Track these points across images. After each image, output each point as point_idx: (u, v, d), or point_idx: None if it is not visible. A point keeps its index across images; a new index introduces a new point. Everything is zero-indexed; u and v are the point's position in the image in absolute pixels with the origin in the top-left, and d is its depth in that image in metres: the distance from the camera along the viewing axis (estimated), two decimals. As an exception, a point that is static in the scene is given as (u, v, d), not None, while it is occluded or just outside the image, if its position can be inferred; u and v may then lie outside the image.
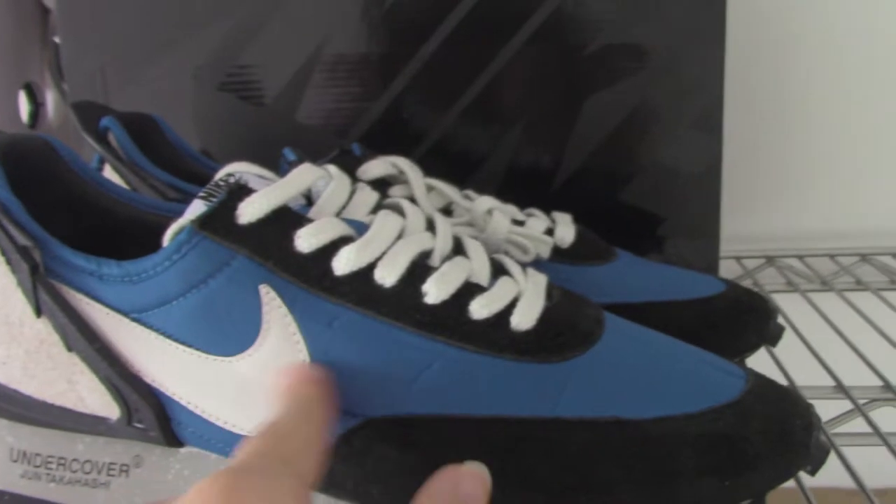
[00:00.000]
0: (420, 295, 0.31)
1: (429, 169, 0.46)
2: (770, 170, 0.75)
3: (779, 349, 0.49)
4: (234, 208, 0.31)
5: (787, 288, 0.68)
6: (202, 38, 0.58)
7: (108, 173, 0.44)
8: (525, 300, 0.32)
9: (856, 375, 0.50)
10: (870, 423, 0.44)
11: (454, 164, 0.60)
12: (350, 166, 0.44)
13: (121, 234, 0.38)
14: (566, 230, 0.46)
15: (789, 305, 0.61)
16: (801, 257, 0.73)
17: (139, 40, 0.58)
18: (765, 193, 0.76)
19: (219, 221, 0.30)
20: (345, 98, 0.59)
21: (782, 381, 0.48)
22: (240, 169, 0.36)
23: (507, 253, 0.42)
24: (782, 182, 0.76)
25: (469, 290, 0.32)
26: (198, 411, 0.32)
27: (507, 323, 0.31)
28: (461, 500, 0.28)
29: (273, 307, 0.30)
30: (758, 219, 0.77)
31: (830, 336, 0.55)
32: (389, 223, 0.32)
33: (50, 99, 0.63)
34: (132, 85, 0.58)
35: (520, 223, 0.45)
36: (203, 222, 0.30)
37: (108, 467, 0.35)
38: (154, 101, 0.58)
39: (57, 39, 0.59)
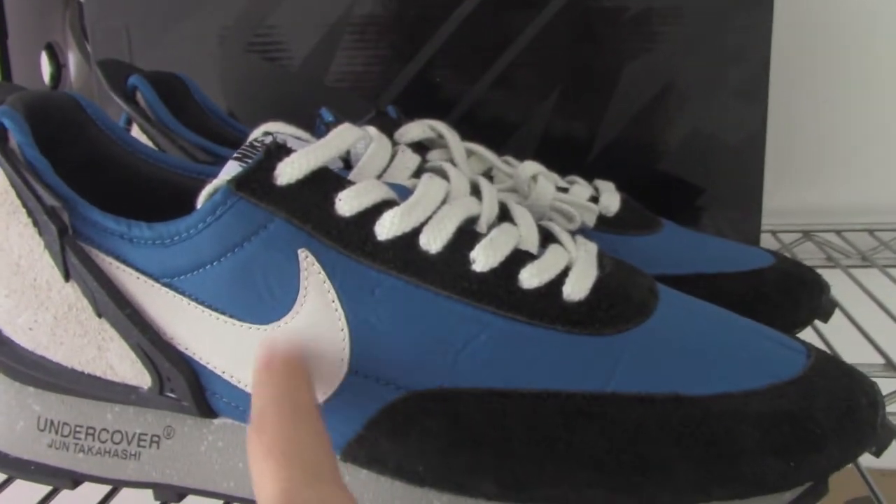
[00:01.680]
0: (467, 262, 0.29)
1: (462, 136, 0.45)
2: (808, 143, 0.73)
3: (823, 326, 0.47)
4: (273, 169, 0.29)
5: (826, 263, 0.67)
6: (229, -3, 0.56)
7: (136, 133, 0.43)
8: (577, 269, 0.31)
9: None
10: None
11: (487, 132, 0.57)
12: (387, 129, 0.42)
13: (149, 196, 0.36)
14: (611, 198, 0.44)
15: (830, 280, 0.59)
16: (838, 232, 0.71)
17: (164, 0, 0.56)
18: (803, 167, 0.74)
19: (256, 182, 0.29)
20: (375, 61, 0.57)
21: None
22: (276, 129, 0.35)
23: (551, 220, 0.41)
24: (821, 155, 0.74)
25: (519, 258, 0.30)
26: (233, 381, 0.31)
27: (560, 293, 0.30)
28: None
29: (312, 273, 0.29)
30: (794, 193, 0.74)
31: (874, 312, 0.53)
32: (435, 187, 0.31)
33: (72, 60, 0.61)
34: (157, 46, 0.57)
35: (563, 190, 0.43)
36: (240, 183, 0.29)
37: (138, 438, 0.34)
38: (179, 62, 0.56)
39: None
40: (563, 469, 0.28)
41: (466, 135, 0.45)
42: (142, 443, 0.33)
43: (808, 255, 0.68)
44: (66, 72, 0.62)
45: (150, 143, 0.42)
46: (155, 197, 0.36)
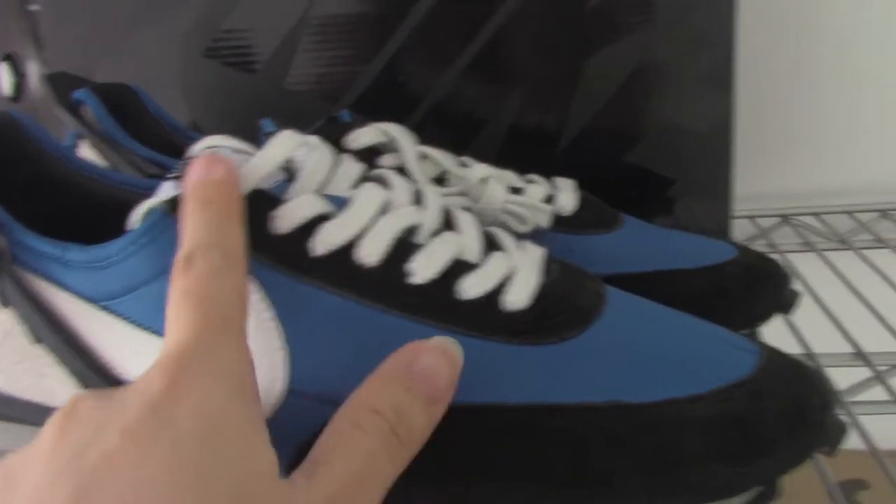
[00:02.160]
0: (404, 275, 0.29)
1: (427, 134, 0.44)
2: (784, 125, 0.73)
3: (795, 314, 0.46)
4: None
5: (803, 247, 0.66)
6: (187, 1, 0.55)
7: (86, 150, 0.42)
8: (519, 277, 0.30)
9: (876, 339, 0.47)
10: (890, 391, 0.42)
11: (454, 128, 0.57)
12: (338, 135, 0.42)
13: (97, 215, 0.36)
14: (567, 197, 0.43)
15: (806, 266, 0.59)
16: (817, 215, 0.71)
17: (121, 6, 0.56)
18: (779, 150, 0.73)
19: None
20: (336, 62, 0.56)
21: (799, 349, 0.46)
22: (215, 143, 0.34)
23: (504, 224, 0.40)
24: (796, 138, 0.73)
25: (458, 269, 0.30)
26: (172, 403, 0.30)
27: (500, 302, 0.29)
28: (417, 376, 0.26)
29: (248, 292, 0.28)
30: (772, 176, 0.74)
31: (849, 298, 0.53)
32: (371, 197, 0.30)
33: (32, 71, 0.60)
34: (114, 54, 0.56)
35: (518, 190, 0.43)
36: (174, 205, 0.28)
37: (83, 462, 0.33)
38: (139, 71, 0.56)
39: (33, 7, 0.56)
40: (505, 484, 0.28)
41: (433, 132, 0.45)
42: (87, 467, 0.33)
43: (785, 239, 0.68)
44: (26, 82, 0.61)
45: (99, 159, 0.41)
46: (103, 215, 0.36)
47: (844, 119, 0.72)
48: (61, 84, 0.43)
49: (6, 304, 0.30)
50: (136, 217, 0.30)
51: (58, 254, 0.30)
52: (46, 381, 0.31)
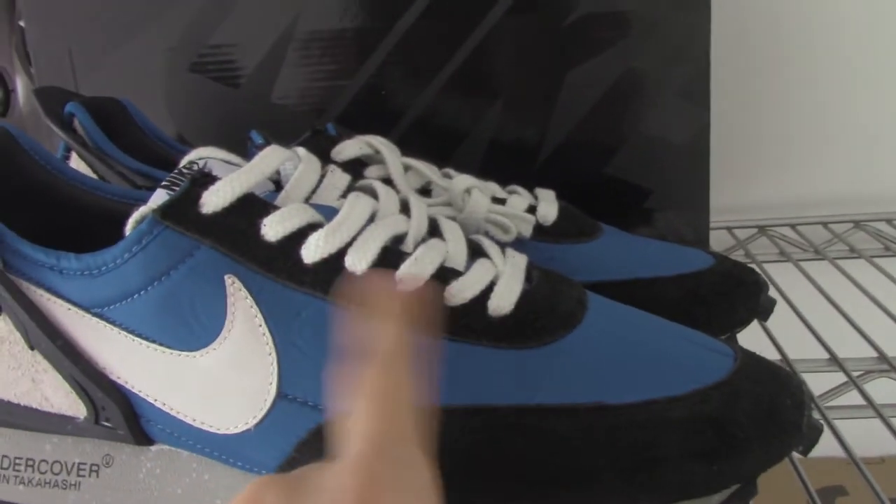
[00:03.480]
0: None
1: (410, 146, 0.45)
2: (760, 138, 0.74)
3: (772, 322, 0.47)
4: (198, 197, 0.29)
5: (779, 258, 0.67)
6: (173, 17, 0.56)
7: (76, 162, 0.43)
8: (502, 283, 0.31)
9: (850, 346, 0.49)
10: (864, 396, 0.43)
11: (436, 141, 0.58)
12: (323, 147, 0.43)
13: (88, 225, 0.36)
14: (549, 207, 0.44)
15: (782, 276, 0.60)
16: (793, 226, 0.72)
17: (107, 21, 0.56)
18: (755, 162, 0.74)
19: (181, 211, 0.29)
20: (320, 76, 0.57)
21: (775, 356, 0.47)
22: (205, 154, 0.35)
23: (487, 233, 0.41)
24: (773, 150, 0.74)
25: (444, 275, 0.30)
26: (165, 408, 0.31)
27: (484, 308, 0.30)
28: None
29: (238, 298, 0.29)
30: (749, 188, 0.75)
31: (824, 307, 0.54)
32: (359, 206, 0.31)
33: (20, 85, 0.61)
34: (101, 68, 0.57)
35: (501, 201, 0.44)
36: (165, 212, 0.29)
37: (77, 467, 0.34)
38: (125, 85, 0.57)
39: (22, 23, 0.57)
40: (489, 484, 0.29)
41: (416, 145, 0.45)
42: (81, 472, 0.34)
43: (762, 250, 0.69)
44: (15, 97, 0.62)
45: (89, 171, 0.42)
46: (94, 226, 0.36)
47: (819, 132, 0.74)
48: (51, 98, 0.44)
49: (1, 311, 0.31)
50: (129, 225, 0.31)
51: (52, 262, 0.30)
52: (42, 386, 0.32)
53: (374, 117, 0.58)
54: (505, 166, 0.57)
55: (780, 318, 0.49)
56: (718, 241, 0.70)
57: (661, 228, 0.60)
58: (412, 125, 0.58)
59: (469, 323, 0.30)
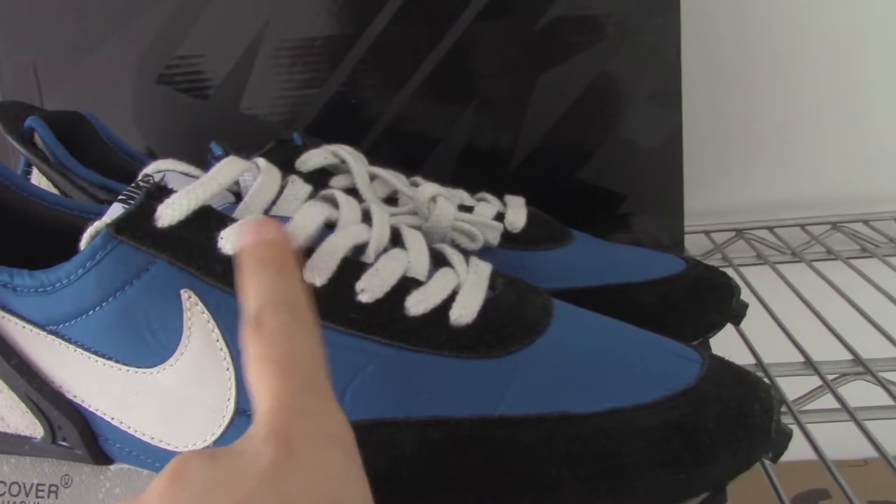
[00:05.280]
0: (353, 293, 0.29)
1: (382, 153, 0.45)
2: (736, 141, 0.74)
3: (747, 326, 0.47)
4: (153, 211, 0.29)
5: (756, 261, 0.67)
6: (138, 28, 0.55)
7: (37, 178, 0.42)
8: (464, 292, 0.31)
9: (826, 349, 0.48)
10: (839, 400, 0.43)
11: (408, 148, 0.58)
12: (288, 157, 0.42)
13: (49, 242, 0.36)
14: (517, 214, 0.44)
15: (760, 279, 0.60)
16: (771, 228, 0.72)
17: (73, 33, 0.56)
18: (732, 165, 0.74)
19: (136, 225, 0.29)
20: (290, 85, 0.57)
21: (749, 360, 0.47)
22: (164, 167, 0.35)
23: (453, 241, 0.41)
24: (749, 153, 0.74)
25: (405, 286, 0.30)
26: (123, 426, 0.30)
27: (446, 318, 0.30)
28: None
29: (195, 313, 0.28)
30: (726, 191, 0.75)
31: (801, 309, 0.54)
32: (309, 214, 0.30)
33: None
34: (66, 80, 0.56)
35: (468, 209, 0.43)
36: (119, 226, 0.28)
37: (36, 489, 0.33)
38: (91, 98, 0.56)
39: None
40: (452, 496, 0.28)
41: (388, 153, 0.45)
42: (40, 493, 0.33)
43: (740, 253, 0.69)
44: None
45: (51, 187, 0.41)
46: (56, 242, 0.36)
47: (796, 134, 0.74)
48: (11, 112, 0.43)
49: (-47, 330, 0.30)
50: (84, 240, 0.30)
51: (5, 279, 0.30)
52: (-4, 407, 0.31)
53: (346, 125, 0.57)
54: (478, 172, 0.57)
55: (756, 321, 0.48)
56: (696, 244, 0.70)
57: (636, 233, 0.59)
58: (384, 132, 0.57)
59: (430, 333, 0.29)
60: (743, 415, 0.30)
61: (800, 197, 0.75)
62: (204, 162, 0.36)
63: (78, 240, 0.34)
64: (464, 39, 0.56)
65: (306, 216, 0.30)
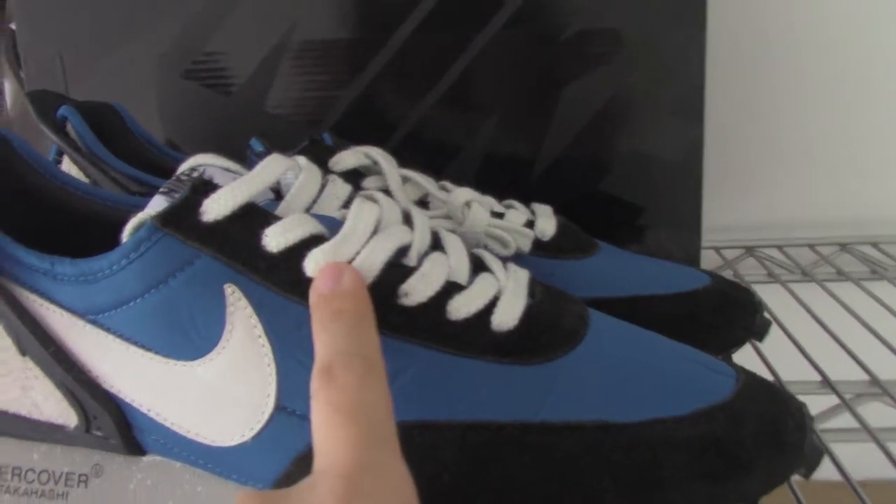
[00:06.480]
0: (397, 296, 0.29)
1: (403, 159, 0.45)
2: (748, 158, 0.74)
3: (761, 343, 0.47)
4: (198, 205, 0.29)
5: (767, 279, 0.67)
6: (166, 23, 0.56)
7: (67, 166, 0.42)
8: (506, 298, 0.31)
9: (840, 368, 0.49)
10: (858, 418, 0.43)
11: (429, 155, 0.58)
12: (321, 157, 0.42)
13: (80, 231, 0.36)
14: (547, 222, 0.44)
15: (770, 296, 0.60)
16: (780, 247, 0.72)
17: (100, 26, 0.56)
18: (743, 183, 0.75)
19: (181, 219, 0.29)
20: (314, 86, 0.57)
21: (767, 377, 0.47)
22: (205, 161, 0.34)
23: (486, 247, 0.41)
24: (761, 171, 0.75)
25: (448, 290, 0.30)
26: (159, 419, 0.30)
27: (488, 323, 0.30)
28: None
29: (238, 308, 0.28)
30: (736, 208, 0.75)
31: (813, 328, 0.54)
32: (364, 217, 0.30)
33: (8, 89, 0.60)
34: (92, 73, 0.56)
35: (499, 215, 0.43)
36: (165, 219, 0.28)
37: (66, 477, 0.33)
38: (116, 90, 0.56)
39: (13, 26, 0.56)
40: (493, 500, 0.28)
41: (409, 158, 0.45)
42: (69, 482, 0.33)
43: (750, 270, 0.69)
44: (1, 100, 0.61)
45: (81, 176, 0.41)
46: (87, 231, 0.36)
47: (807, 155, 0.74)
48: (44, 101, 0.43)
49: (-7, 316, 0.30)
50: (127, 231, 0.30)
51: (46, 267, 0.30)
52: (33, 393, 0.31)
53: (368, 129, 0.57)
54: (499, 181, 0.57)
55: (770, 339, 0.49)
56: (706, 260, 0.70)
57: (651, 247, 0.59)
58: (406, 138, 0.57)
59: (472, 338, 0.29)
60: (778, 431, 0.30)
61: (809, 216, 0.76)
62: (229, 158, 0.36)
63: (108, 229, 0.34)
64: (489, 49, 0.56)
65: (361, 218, 0.30)
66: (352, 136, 0.48)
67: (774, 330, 0.52)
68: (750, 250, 0.72)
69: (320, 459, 0.23)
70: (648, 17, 0.56)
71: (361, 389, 0.25)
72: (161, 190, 0.31)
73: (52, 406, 0.31)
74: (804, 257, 0.71)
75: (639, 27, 0.56)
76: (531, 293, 0.32)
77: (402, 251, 0.31)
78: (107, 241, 0.32)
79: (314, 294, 0.28)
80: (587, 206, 0.58)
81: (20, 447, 0.33)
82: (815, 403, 0.46)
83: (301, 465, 0.29)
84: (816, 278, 0.66)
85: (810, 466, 0.30)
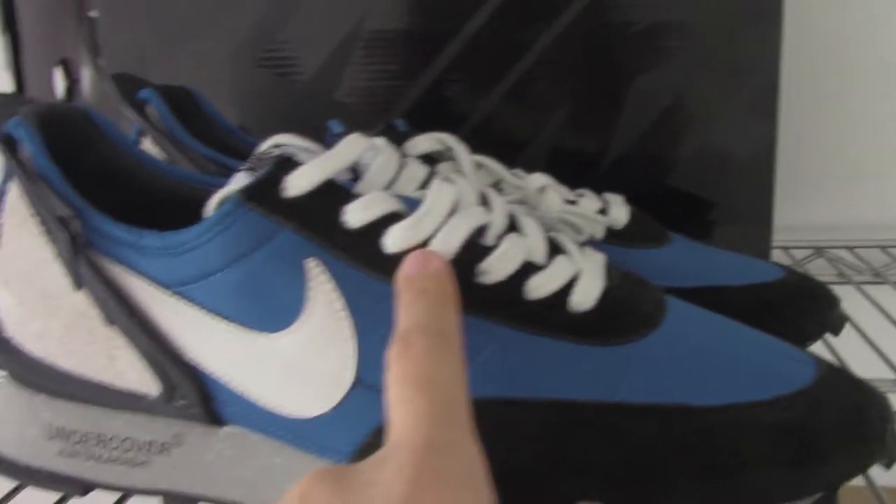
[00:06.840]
0: (475, 275, 0.29)
1: (471, 151, 0.45)
2: (820, 158, 0.73)
3: (833, 340, 0.47)
4: (280, 181, 0.29)
5: (837, 279, 0.66)
6: (240, 12, 0.56)
7: (146, 146, 0.43)
8: (584, 279, 0.31)
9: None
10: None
11: (496, 147, 0.58)
12: (396, 142, 0.42)
13: (158, 207, 0.36)
14: (619, 211, 0.44)
15: (843, 296, 0.59)
16: (850, 248, 0.71)
17: (177, 15, 0.57)
18: (814, 182, 0.73)
19: (264, 194, 0.29)
20: (384, 76, 0.57)
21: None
22: (284, 141, 0.35)
23: (560, 232, 0.41)
24: (832, 171, 0.74)
25: (526, 269, 0.30)
26: (238, 390, 0.31)
27: (567, 303, 0.30)
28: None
29: (319, 282, 0.29)
30: (806, 209, 0.74)
31: (886, 328, 0.53)
32: (443, 196, 0.31)
33: (85, 75, 0.62)
34: (169, 61, 0.57)
35: (572, 203, 0.43)
36: (249, 194, 0.29)
37: (147, 445, 0.34)
38: (191, 78, 0.57)
39: (93, 14, 0.58)
40: (568, 477, 0.28)
41: (477, 149, 0.45)
42: (151, 450, 0.34)
43: (819, 271, 0.68)
44: (78, 87, 0.62)
45: (160, 155, 0.42)
46: (165, 208, 0.36)
47: (880, 154, 0.73)
48: (127, 83, 0.44)
49: (81, 286, 0.31)
50: (211, 206, 0.31)
51: (133, 239, 0.30)
52: (117, 363, 0.32)
53: (436, 121, 0.57)
54: (566, 175, 0.57)
55: (842, 337, 0.48)
56: (774, 260, 0.69)
57: (720, 242, 0.59)
58: (474, 130, 0.57)
59: (550, 317, 0.29)
60: (860, 420, 0.30)
61: (881, 218, 0.74)
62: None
63: (186, 207, 0.35)
64: (559, 42, 0.56)
65: (440, 196, 0.30)
66: (420, 127, 0.48)
67: (846, 328, 0.52)
68: (819, 251, 0.71)
69: (392, 432, 0.23)
70: (724, 10, 0.56)
71: (435, 363, 0.24)
72: (243, 167, 0.32)
73: (135, 375, 0.32)
74: (876, 259, 0.69)
75: (712, 21, 0.56)
76: (609, 276, 0.32)
77: (480, 232, 0.31)
78: (183, 217, 0.32)
79: (401, 276, 0.28)
80: (656, 201, 0.57)
81: (104, 415, 0.34)
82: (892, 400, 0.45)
83: (379, 437, 0.29)
84: (890, 280, 0.64)
85: (892, 457, 0.30)
